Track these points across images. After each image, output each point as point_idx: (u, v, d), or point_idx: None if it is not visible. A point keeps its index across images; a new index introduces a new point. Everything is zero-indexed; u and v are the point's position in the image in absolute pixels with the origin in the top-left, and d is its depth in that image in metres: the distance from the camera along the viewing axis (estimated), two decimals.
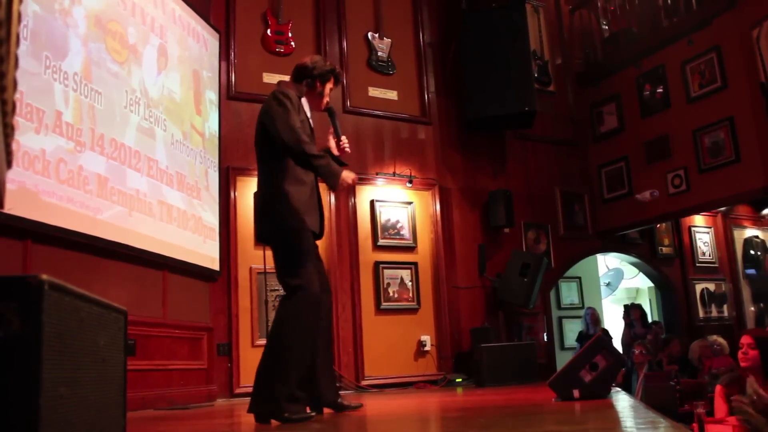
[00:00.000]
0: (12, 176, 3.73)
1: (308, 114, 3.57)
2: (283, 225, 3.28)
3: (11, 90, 1.02)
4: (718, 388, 4.62)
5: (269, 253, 6.13)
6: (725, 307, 10.10)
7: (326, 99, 3.67)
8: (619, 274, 10.68)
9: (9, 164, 1.18)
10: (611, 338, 7.16)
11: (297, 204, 3.29)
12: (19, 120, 3.88)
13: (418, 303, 7.24)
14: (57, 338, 1.28)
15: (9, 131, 1.10)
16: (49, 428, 1.20)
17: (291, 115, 3.28)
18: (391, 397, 5.51)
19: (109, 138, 4.74)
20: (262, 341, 6.06)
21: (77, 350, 1.43)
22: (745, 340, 4.40)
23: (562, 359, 8.10)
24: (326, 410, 3.49)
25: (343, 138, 3.67)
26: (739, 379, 4.50)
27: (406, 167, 7.43)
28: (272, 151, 3.34)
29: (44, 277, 1.22)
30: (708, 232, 10.26)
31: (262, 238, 3.48)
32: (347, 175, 3.37)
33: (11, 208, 3.69)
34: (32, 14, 4.04)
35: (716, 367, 6.22)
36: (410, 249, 7.35)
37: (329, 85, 3.65)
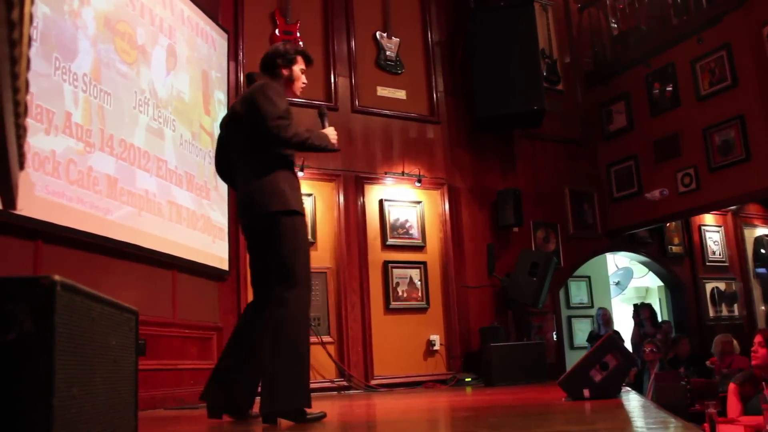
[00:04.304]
0: (23, 177, 3.74)
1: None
2: (287, 206, 3.17)
3: (24, 91, 1.02)
4: (731, 386, 4.61)
5: None
6: (735, 306, 10.04)
7: (299, 83, 3.54)
8: (628, 273, 10.64)
9: (21, 165, 1.19)
10: (622, 340, 7.13)
11: (288, 194, 3.21)
12: (29, 121, 3.89)
13: (428, 302, 7.23)
14: (69, 339, 1.28)
15: (22, 132, 1.10)
16: (61, 429, 1.21)
17: (276, 101, 3.22)
18: (401, 396, 5.51)
19: (119, 138, 4.76)
20: None
21: (89, 351, 1.43)
22: (757, 338, 4.41)
23: (572, 358, 8.08)
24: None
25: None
26: (753, 378, 4.50)
27: (414, 167, 7.42)
28: (264, 147, 3.28)
29: (56, 277, 1.22)
30: (718, 231, 10.21)
31: (255, 227, 3.30)
32: (332, 132, 3.40)
33: (22, 208, 3.71)
34: (42, 16, 4.06)
35: (735, 366, 6.20)
36: (419, 248, 7.34)
37: (297, 67, 3.53)
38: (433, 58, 7.97)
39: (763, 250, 10.51)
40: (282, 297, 3.09)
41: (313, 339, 6.52)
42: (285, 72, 3.50)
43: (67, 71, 4.27)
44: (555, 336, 8.12)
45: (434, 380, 6.92)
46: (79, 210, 4.27)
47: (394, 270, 7.12)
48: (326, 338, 6.61)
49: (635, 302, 9.62)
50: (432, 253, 7.40)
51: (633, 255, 9.54)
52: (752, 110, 7.15)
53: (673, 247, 9.58)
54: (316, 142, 3.28)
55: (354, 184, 7.08)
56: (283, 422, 3.01)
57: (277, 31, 6.99)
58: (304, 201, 3.39)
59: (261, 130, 3.20)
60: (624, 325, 9.76)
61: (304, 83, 3.60)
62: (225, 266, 6.13)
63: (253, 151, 3.31)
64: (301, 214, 3.23)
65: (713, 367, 6.80)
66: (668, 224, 9.33)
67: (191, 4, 6.01)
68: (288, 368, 3.00)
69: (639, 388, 6.68)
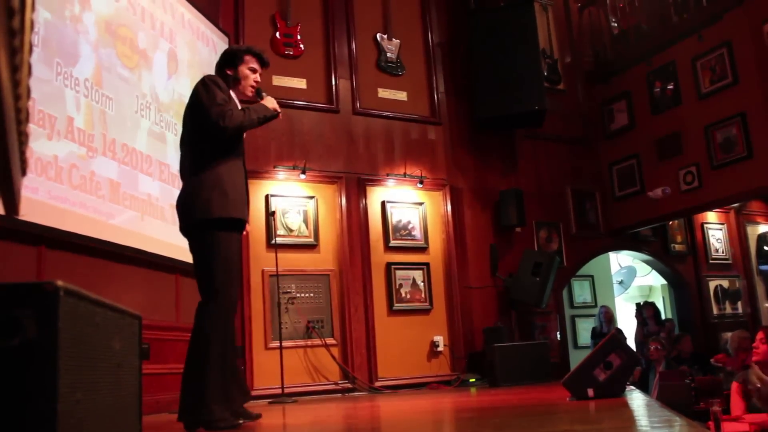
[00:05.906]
0: (25, 183, 3.75)
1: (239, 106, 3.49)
2: (210, 216, 3.20)
3: (25, 98, 1.03)
4: (734, 385, 4.62)
5: (280, 255, 6.14)
6: (739, 303, 10.02)
7: (246, 82, 3.54)
8: (631, 272, 10.63)
9: (23, 171, 1.19)
10: (625, 338, 7.12)
11: (230, 196, 3.24)
12: (31, 127, 3.90)
13: (431, 303, 7.23)
14: (73, 344, 1.29)
15: (23, 138, 1.11)
16: None
17: (215, 91, 3.27)
18: (405, 397, 5.50)
19: (121, 143, 4.76)
20: (276, 344, 6.08)
21: (93, 355, 1.44)
22: (759, 335, 4.44)
23: (576, 358, 8.07)
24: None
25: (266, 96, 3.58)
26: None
27: (416, 168, 7.42)
28: (205, 141, 3.31)
29: (60, 283, 1.23)
30: (721, 229, 10.20)
31: (185, 230, 3.36)
32: (270, 102, 3.45)
33: (25, 214, 3.71)
34: (43, 21, 4.07)
35: (749, 362, 6.20)
36: (422, 250, 7.34)
37: (245, 66, 3.53)
38: (434, 59, 7.97)
39: (766, 247, 10.50)
40: (201, 309, 3.22)
41: (316, 341, 6.53)
42: (229, 72, 3.53)
43: (69, 76, 4.28)
44: (559, 336, 8.11)
45: (438, 381, 6.92)
46: (81, 215, 4.27)
47: (397, 271, 7.12)
48: (330, 340, 6.61)
49: (638, 301, 9.61)
50: (435, 254, 7.40)
51: (636, 254, 9.52)
52: (753, 107, 7.14)
53: (676, 246, 9.57)
54: (254, 115, 3.33)
55: (356, 186, 7.08)
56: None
57: (277, 34, 6.99)
58: (244, 203, 3.40)
59: (203, 123, 3.26)
60: (627, 323, 9.76)
61: (256, 82, 3.58)
62: None
63: (193, 147, 3.38)
64: (228, 224, 3.23)
65: (718, 365, 6.78)
66: (671, 222, 9.32)
67: (191, 7, 6.02)
68: (193, 379, 3.14)
69: (644, 387, 6.67)
